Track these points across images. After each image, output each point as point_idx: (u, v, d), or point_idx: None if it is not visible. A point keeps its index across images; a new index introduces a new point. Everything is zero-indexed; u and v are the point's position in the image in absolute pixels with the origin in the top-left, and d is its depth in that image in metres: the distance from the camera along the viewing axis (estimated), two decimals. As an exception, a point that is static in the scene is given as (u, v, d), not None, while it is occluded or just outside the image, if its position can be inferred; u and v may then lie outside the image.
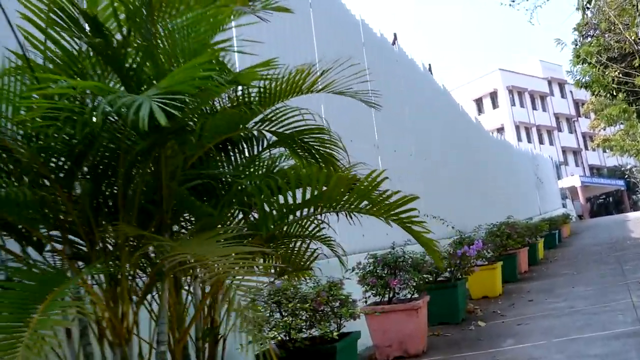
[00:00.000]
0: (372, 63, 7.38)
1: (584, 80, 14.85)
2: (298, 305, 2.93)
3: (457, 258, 5.85)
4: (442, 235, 8.60)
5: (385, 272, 4.50)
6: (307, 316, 3.05)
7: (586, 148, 57.57)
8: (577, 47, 15.64)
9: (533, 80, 54.02)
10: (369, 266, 4.60)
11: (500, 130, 47.94)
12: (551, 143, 53.32)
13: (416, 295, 4.78)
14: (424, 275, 5.76)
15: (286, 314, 2.98)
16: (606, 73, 14.85)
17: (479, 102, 52.60)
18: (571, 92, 57.46)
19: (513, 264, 8.99)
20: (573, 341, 4.24)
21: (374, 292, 4.49)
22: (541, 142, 51.88)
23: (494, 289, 7.45)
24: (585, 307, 5.65)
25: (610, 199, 49.51)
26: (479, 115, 49.78)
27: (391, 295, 4.57)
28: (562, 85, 57.18)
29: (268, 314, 3.02)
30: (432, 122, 10.05)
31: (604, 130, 36.01)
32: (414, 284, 4.52)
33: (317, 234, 2.62)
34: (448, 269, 5.84)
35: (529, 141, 48.76)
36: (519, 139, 46.53)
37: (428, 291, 5.72)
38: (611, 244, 13.33)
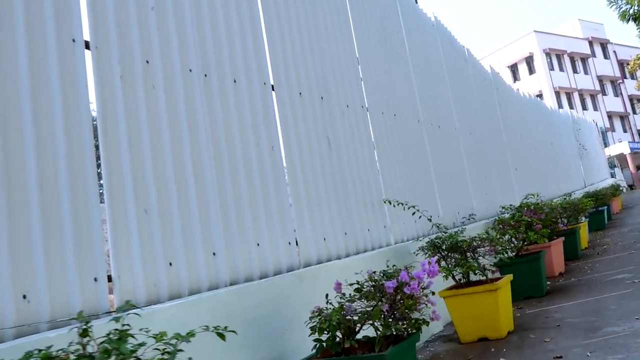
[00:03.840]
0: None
1: (632, 10, 11.32)
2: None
3: (389, 297, 2.73)
4: (414, 232, 5.48)
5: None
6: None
7: (634, 112, 53.02)
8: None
9: (572, 42, 49.64)
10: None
11: (539, 97, 43.81)
12: (595, 108, 49.01)
13: None
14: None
15: None
16: (662, 1, 11.32)
17: (513, 68, 48.60)
18: (615, 52, 52.84)
19: (537, 269, 5.77)
20: None
21: None
22: (584, 107, 47.65)
23: (497, 325, 4.30)
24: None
25: (664, 165, 44.99)
26: (515, 82, 45.85)
27: None
28: (604, 45, 52.60)
29: None
30: (418, 70, 6.87)
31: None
32: None
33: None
34: (372, 322, 2.74)
35: (571, 107, 44.61)
36: (560, 106, 42.41)
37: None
38: (681, 223, 9.92)
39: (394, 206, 5.00)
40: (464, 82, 8.88)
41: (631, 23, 11.31)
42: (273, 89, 4.00)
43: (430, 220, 4.85)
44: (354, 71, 5.21)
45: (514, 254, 5.94)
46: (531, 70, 47.53)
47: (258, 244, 3.46)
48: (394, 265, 3.06)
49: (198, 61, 3.34)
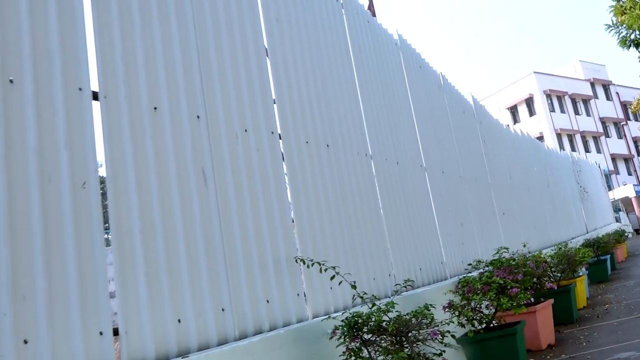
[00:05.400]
0: None
1: (633, 35, 10.12)
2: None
3: None
4: (347, 301, 4.13)
5: None
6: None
7: (639, 154, 51.60)
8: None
9: (574, 83, 48.65)
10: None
11: (540, 139, 42.64)
12: (598, 150, 47.70)
13: None
14: None
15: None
16: (666, 24, 10.11)
17: (513, 110, 47.52)
18: (617, 93, 51.80)
19: (512, 348, 4.37)
20: None
21: None
22: (587, 150, 46.35)
23: None
24: None
25: (672, 209, 43.33)
26: (515, 124, 44.76)
27: None
28: (606, 86, 51.60)
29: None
30: (369, 93, 5.64)
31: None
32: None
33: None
34: None
35: (573, 149, 43.36)
36: (562, 148, 41.15)
37: None
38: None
39: (308, 266, 3.66)
40: (437, 113, 7.62)
41: (632, 49, 10.11)
42: (96, 99, 2.71)
43: (354, 287, 3.50)
44: (262, 86, 3.93)
45: (483, 325, 4.56)
46: (531, 112, 46.44)
47: (26, 341, 2.12)
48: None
49: None
